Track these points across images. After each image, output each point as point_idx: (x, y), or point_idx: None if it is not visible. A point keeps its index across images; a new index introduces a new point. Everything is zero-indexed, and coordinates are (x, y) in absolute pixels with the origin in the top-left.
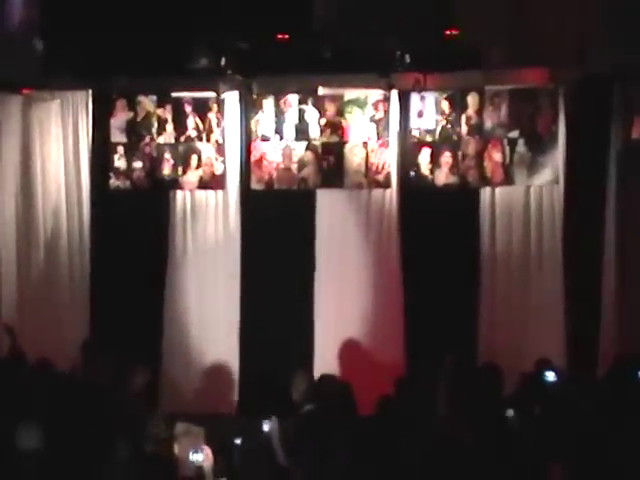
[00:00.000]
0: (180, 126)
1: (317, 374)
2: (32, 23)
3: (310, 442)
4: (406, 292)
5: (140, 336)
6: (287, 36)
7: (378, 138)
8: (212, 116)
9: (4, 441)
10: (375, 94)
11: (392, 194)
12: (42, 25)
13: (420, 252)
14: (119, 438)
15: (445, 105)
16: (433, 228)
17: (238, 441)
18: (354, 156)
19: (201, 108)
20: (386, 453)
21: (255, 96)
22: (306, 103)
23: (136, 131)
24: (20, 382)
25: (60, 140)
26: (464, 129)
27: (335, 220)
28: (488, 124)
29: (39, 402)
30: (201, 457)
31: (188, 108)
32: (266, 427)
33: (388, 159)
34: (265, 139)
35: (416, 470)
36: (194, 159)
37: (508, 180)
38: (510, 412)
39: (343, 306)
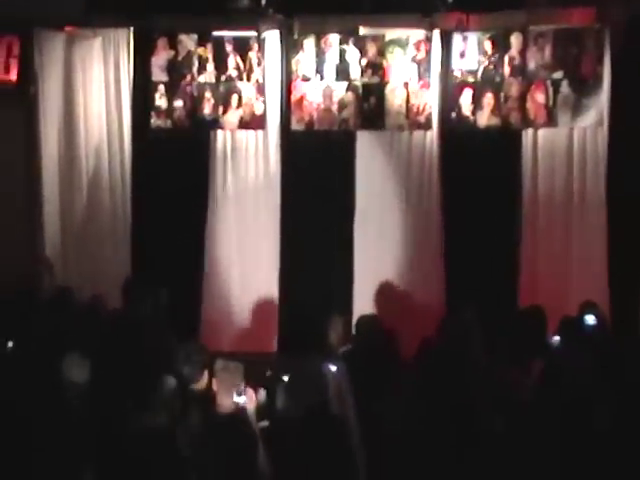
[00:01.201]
0: (221, 65)
1: (356, 315)
2: None
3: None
4: (446, 234)
5: (181, 275)
6: None
7: (419, 79)
8: (253, 55)
9: (52, 374)
10: (417, 34)
11: (433, 136)
12: None
13: (461, 194)
14: (164, 372)
15: (488, 45)
16: (474, 170)
17: (282, 380)
18: (395, 97)
19: (242, 47)
20: (430, 395)
21: (296, 36)
22: (347, 43)
23: (177, 70)
24: (66, 316)
25: (102, 78)
26: (507, 70)
27: (375, 162)
28: (531, 65)
29: (87, 336)
30: (244, 399)
31: (229, 47)
32: (333, 368)
33: (429, 100)
34: (306, 79)
35: (461, 412)
36: (234, 99)
37: (551, 122)
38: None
39: (383, 247)
